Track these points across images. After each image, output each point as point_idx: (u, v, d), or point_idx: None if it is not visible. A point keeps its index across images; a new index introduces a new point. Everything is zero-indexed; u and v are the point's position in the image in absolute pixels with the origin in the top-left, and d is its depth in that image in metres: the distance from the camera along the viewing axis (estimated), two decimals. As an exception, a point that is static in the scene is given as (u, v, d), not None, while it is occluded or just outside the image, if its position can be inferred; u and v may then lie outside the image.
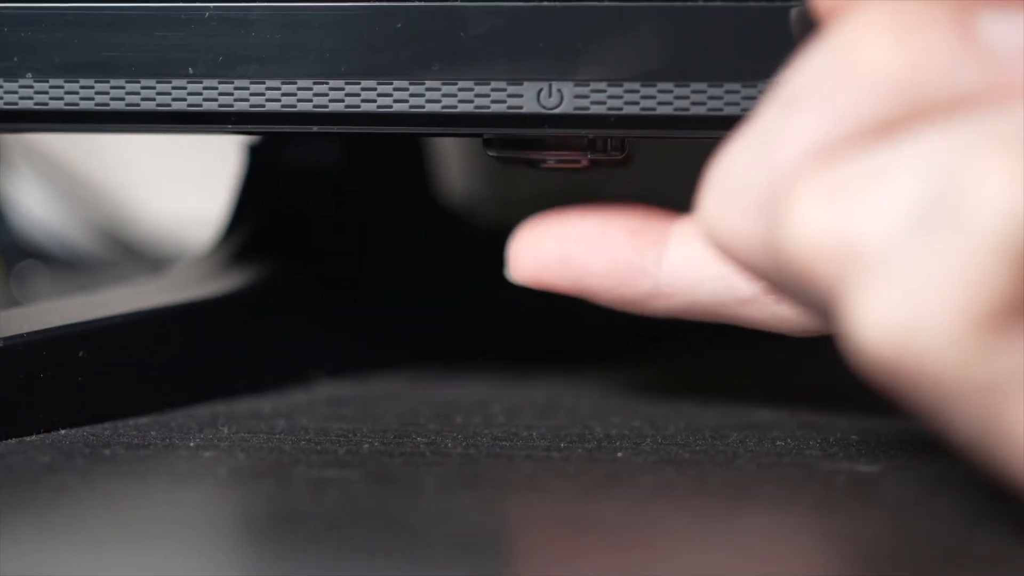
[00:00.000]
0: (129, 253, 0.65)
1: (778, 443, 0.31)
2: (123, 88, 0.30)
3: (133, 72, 0.30)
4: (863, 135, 0.21)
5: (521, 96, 0.29)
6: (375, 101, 0.29)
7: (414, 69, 0.29)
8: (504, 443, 0.31)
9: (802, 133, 0.21)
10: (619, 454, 0.30)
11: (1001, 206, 0.19)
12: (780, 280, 0.22)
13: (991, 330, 0.20)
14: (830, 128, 0.21)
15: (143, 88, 0.30)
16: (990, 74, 0.21)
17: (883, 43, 0.21)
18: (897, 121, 0.21)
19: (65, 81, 0.30)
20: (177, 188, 0.67)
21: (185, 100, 0.30)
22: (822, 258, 0.21)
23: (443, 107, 0.29)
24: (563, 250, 0.30)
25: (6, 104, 0.30)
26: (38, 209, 0.67)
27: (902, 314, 0.20)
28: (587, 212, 0.30)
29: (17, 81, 0.30)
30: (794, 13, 0.27)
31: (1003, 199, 0.19)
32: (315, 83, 0.29)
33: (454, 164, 0.43)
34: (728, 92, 0.28)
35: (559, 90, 0.29)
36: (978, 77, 0.21)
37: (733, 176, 0.22)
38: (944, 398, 0.20)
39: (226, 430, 0.32)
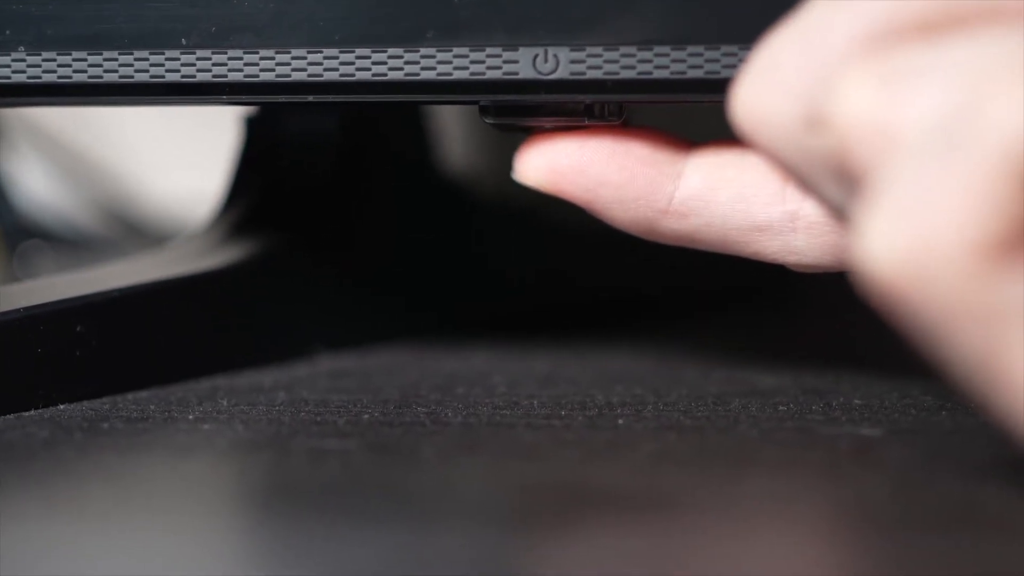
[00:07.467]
0: (132, 232, 0.65)
1: (780, 408, 0.31)
2: (116, 60, 0.30)
3: (126, 44, 0.30)
4: (908, 33, 0.22)
5: (517, 62, 0.29)
6: (370, 69, 0.29)
7: (409, 36, 0.29)
8: (504, 412, 0.31)
9: (852, 22, 0.23)
10: (620, 421, 0.30)
11: (1010, 129, 0.20)
12: (808, 168, 0.24)
13: (994, 258, 0.20)
14: (877, 21, 0.23)
15: (136, 60, 0.30)
16: None
17: None
18: (938, 24, 0.22)
19: (58, 54, 0.30)
20: (180, 166, 0.67)
21: (179, 71, 0.30)
22: (862, 137, 0.22)
23: (438, 74, 0.29)
24: (581, 158, 0.29)
25: (-1, 78, 0.30)
26: (40, 189, 0.67)
27: (909, 236, 0.20)
28: (606, 131, 0.30)
29: (10, 55, 0.30)
30: None
31: (1013, 123, 0.20)
32: (309, 52, 0.29)
33: (452, 133, 0.42)
34: (725, 55, 0.28)
35: (555, 55, 0.28)
36: None
37: (779, 61, 0.24)
38: (944, 325, 0.21)
39: (225, 403, 0.32)
